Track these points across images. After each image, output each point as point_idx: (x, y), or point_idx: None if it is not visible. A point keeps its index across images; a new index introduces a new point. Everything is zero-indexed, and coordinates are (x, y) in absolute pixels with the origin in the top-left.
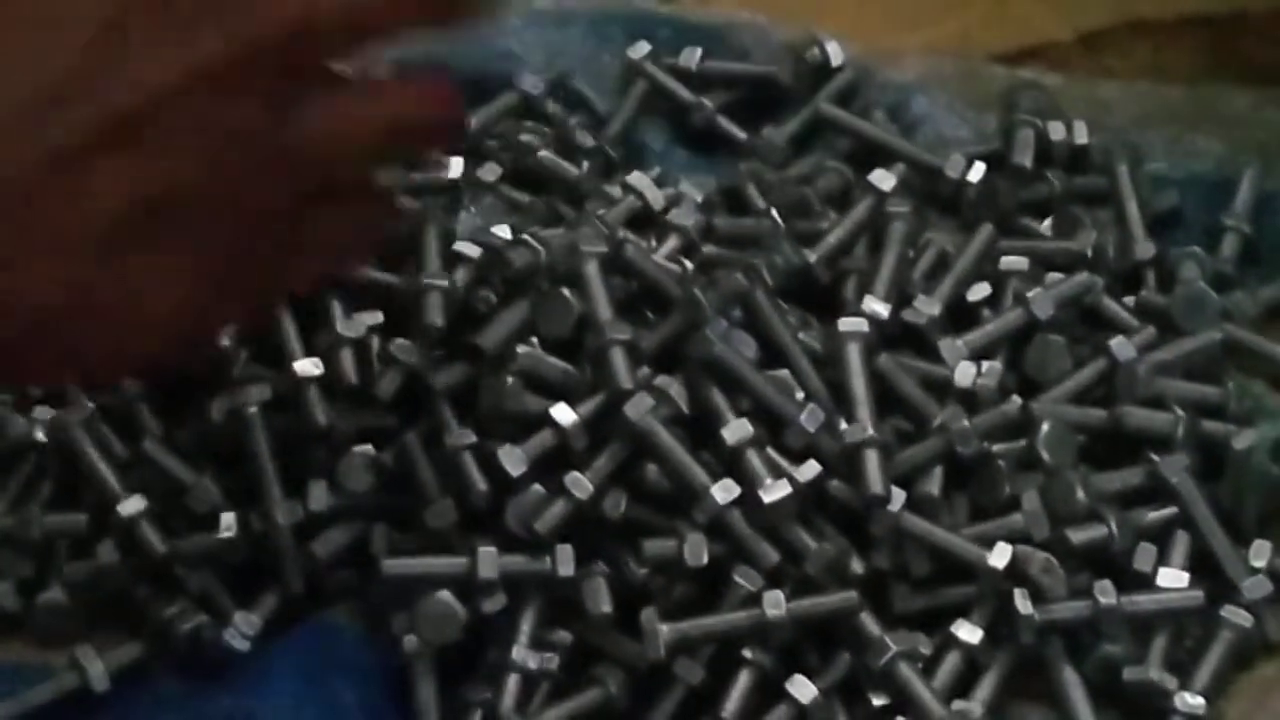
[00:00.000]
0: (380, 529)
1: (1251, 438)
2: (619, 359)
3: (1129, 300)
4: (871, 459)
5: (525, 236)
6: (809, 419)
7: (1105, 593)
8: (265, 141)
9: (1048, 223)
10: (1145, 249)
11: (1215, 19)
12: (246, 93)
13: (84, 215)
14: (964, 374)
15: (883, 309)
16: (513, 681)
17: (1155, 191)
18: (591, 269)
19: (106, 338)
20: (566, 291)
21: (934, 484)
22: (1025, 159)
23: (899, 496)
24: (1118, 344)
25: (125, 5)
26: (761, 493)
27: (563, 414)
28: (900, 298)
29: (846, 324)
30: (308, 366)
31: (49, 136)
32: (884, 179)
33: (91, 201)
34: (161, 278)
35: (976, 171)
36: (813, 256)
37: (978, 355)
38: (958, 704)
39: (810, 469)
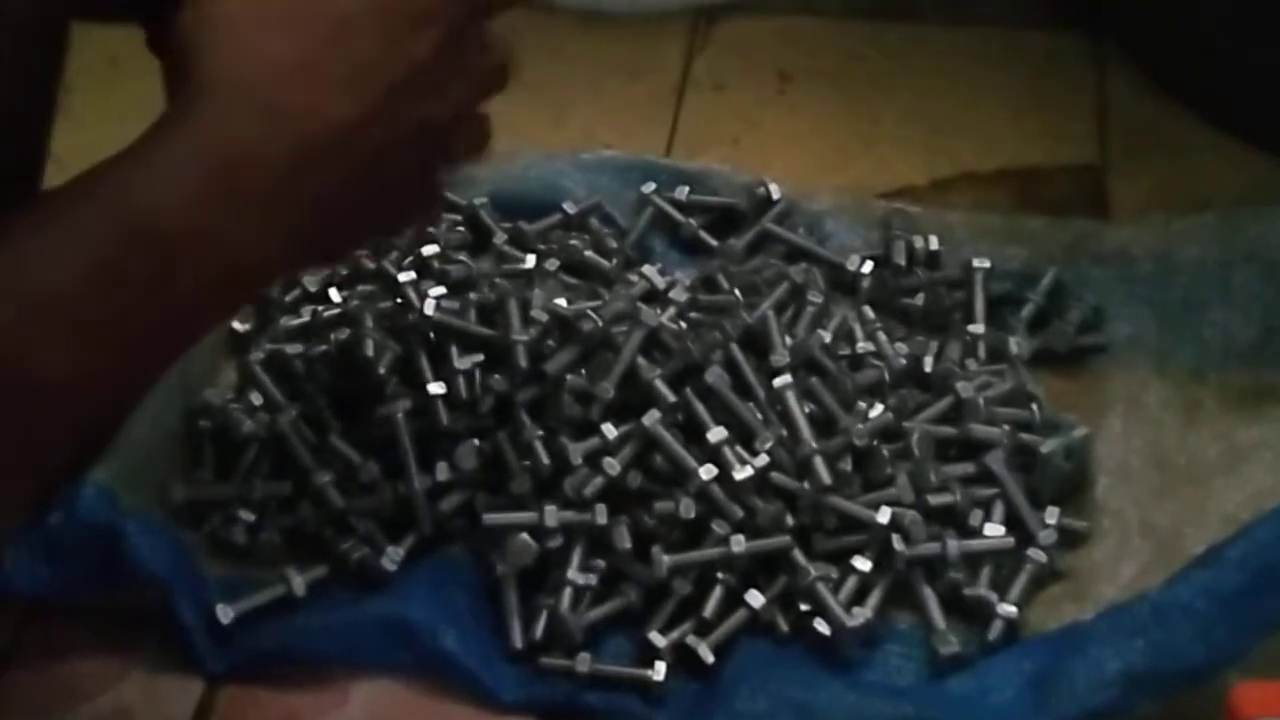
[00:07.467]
0: (482, 494)
1: (1052, 445)
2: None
3: (969, 362)
4: (819, 462)
5: (588, 311)
6: (768, 435)
7: (951, 539)
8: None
9: (920, 297)
10: (978, 329)
11: (1018, 171)
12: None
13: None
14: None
15: (818, 354)
16: (568, 592)
17: (989, 281)
18: (637, 336)
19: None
20: (609, 354)
21: (846, 464)
22: (900, 259)
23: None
24: (961, 386)
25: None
26: (733, 473)
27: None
28: (821, 348)
29: (779, 382)
30: (436, 387)
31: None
32: (806, 273)
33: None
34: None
35: (867, 267)
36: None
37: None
38: (855, 609)
39: (762, 459)
